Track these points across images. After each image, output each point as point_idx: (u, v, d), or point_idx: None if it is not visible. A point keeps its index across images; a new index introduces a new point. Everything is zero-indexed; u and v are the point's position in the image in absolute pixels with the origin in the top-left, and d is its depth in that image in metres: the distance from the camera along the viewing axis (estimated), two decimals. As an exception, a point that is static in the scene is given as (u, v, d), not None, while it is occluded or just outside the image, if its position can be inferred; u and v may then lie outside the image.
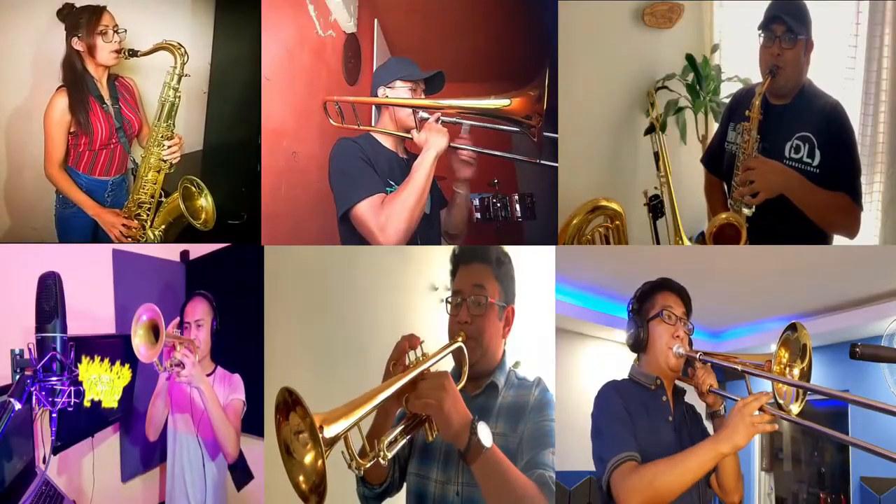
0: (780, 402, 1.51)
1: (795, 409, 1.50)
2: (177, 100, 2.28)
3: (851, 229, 2.18)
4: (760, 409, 1.37)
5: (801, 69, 2.16)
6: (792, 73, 2.14)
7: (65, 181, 2.29)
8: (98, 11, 2.22)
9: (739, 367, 1.58)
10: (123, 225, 2.31)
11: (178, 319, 2.30)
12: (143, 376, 2.51)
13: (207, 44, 3.06)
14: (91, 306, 2.49)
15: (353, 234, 1.99)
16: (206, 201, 2.29)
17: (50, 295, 1.64)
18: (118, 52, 2.26)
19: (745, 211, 2.20)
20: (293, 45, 2.74)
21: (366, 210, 1.92)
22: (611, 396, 1.65)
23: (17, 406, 1.44)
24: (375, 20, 3.81)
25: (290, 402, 1.15)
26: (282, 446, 1.17)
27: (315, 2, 2.92)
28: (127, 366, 2.40)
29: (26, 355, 1.62)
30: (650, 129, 2.91)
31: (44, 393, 1.61)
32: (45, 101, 2.24)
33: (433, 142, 1.96)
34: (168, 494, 2.33)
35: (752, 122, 2.17)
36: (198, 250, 2.90)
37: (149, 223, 2.35)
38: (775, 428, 1.36)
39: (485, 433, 1.26)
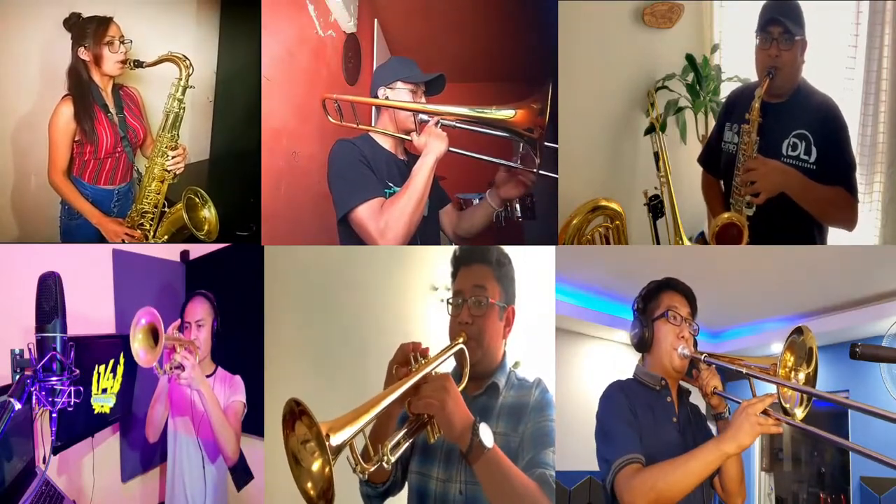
0: (785, 406, 1.51)
1: (800, 413, 1.49)
2: (181, 111, 2.28)
3: (850, 222, 2.22)
4: (765, 412, 1.36)
5: (797, 69, 2.18)
6: (789, 73, 2.16)
7: (68, 189, 2.29)
8: (105, 22, 2.23)
9: (745, 370, 1.57)
10: (126, 234, 2.32)
11: (178, 321, 2.29)
12: (142, 378, 2.51)
13: (213, 53, 3.06)
14: (91, 306, 2.49)
15: (352, 235, 1.99)
16: (209, 212, 2.29)
17: (50, 295, 1.63)
18: (124, 62, 2.26)
19: (746, 210, 2.21)
20: (293, 45, 2.74)
21: (365, 214, 1.92)
22: (616, 397, 1.65)
23: (17, 406, 1.44)
24: (375, 20, 3.81)
25: (296, 412, 1.16)
26: (290, 457, 1.18)
27: (315, 2, 2.92)
28: (116, 364, 2.40)
29: (26, 355, 1.61)
30: (650, 129, 2.91)
31: (44, 393, 1.60)
32: (51, 110, 2.24)
33: (433, 146, 1.96)
34: (168, 497, 2.33)
35: (751, 124, 2.18)
36: (198, 250, 2.90)
37: (152, 233, 2.35)
38: (780, 430, 1.35)
39: (486, 434, 1.27)
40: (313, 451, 1.16)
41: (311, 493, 1.16)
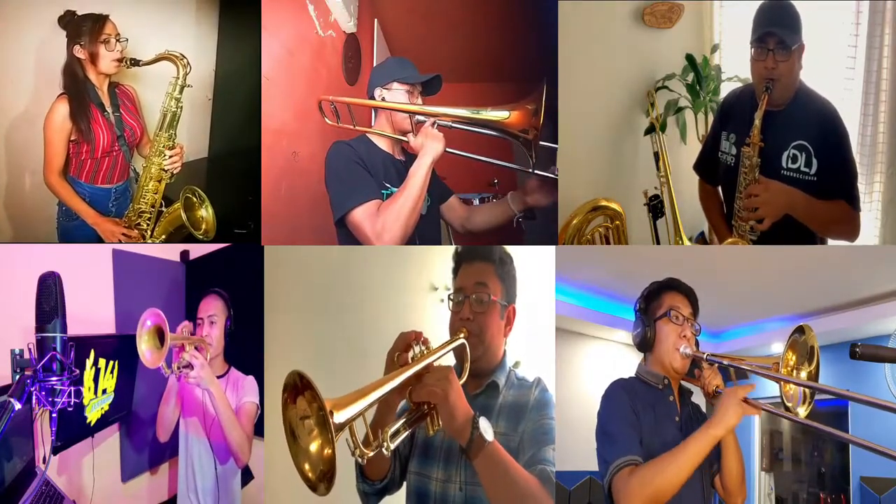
0: (788, 404, 1.51)
1: (802, 411, 1.50)
2: (178, 110, 2.27)
3: (852, 235, 2.20)
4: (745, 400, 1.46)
5: (795, 76, 2.13)
6: (787, 82, 2.11)
7: (64, 189, 2.27)
8: (101, 20, 2.20)
9: (747, 369, 1.57)
10: (123, 234, 2.30)
11: (185, 322, 2.28)
12: (147, 378, 2.51)
13: (212, 51, 3.05)
14: (91, 306, 2.49)
15: (350, 236, 2.00)
16: (206, 212, 2.29)
17: (50, 295, 1.63)
18: (120, 60, 2.24)
19: (750, 235, 2.19)
20: (293, 45, 2.74)
21: (361, 217, 1.93)
22: (619, 396, 1.65)
23: (17, 406, 1.44)
24: (375, 20, 3.81)
25: (299, 386, 1.15)
26: (287, 429, 1.17)
27: (315, 2, 2.92)
28: (116, 363, 2.39)
29: (26, 355, 1.61)
30: (650, 129, 2.91)
31: (44, 393, 1.60)
32: (46, 109, 2.21)
33: (429, 147, 1.96)
34: (179, 497, 2.31)
35: (752, 147, 2.13)
36: (198, 250, 2.90)
37: (149, 233, 2.34)
38: (760, 413, 1.47)
39: (486, 428, 1.28)
40: (311, 429, 1.15)
41: (310, 474, 1.15)
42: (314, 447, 1.15)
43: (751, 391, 1.47)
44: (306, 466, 1.16)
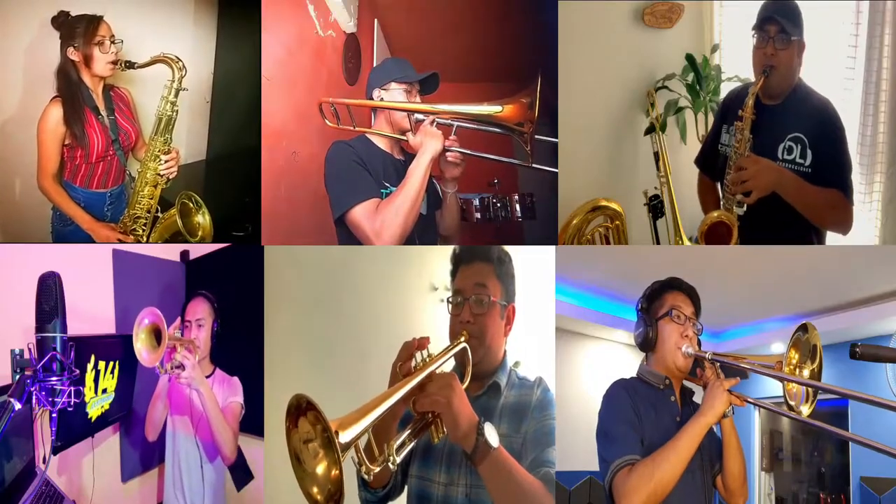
0: (791, 403, 1.52)
1: (806, 410, 1.52)
2: (174, 114, 2.23)
3: (844, 225, 2.20)
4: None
5: (793, 70, 2.16)
6: (785, 73, 2.14)
7: (58, 194, 2.23)
8: (95, 21, 2.16)
9: (750, 368, 1.57)
10: (119, 240, 2.28)
11: (178, 321, 2.29)
12: (143, 377, 2.51)
13: (210, 53, 3.04)
14: (91, 306, 2.49)
15: (350, 236, 2.00)
16: (203, 218, 2.26)
17: (50, 295, 1.63)
18: (115, 63, 2.20)
19: (737, 210, 2.20)
20: (293, 45, 2.74)
21: (361, 215, 1.93)
22: (620, 396, 1.65)
23: (17, 406, 1.44)
24: (375, 20, 3.81)
25: (302, 408, 1.13)
26: (292, 455, 1.15)
27: (315, 2, 2.92)
28: (116, 364, 2.39)
29: (26, 355, 1.61)
30: (650, 129, 2.91)
31: (44, 393, 1.60)
32: (38, 111, 2.17)
33: (428, 145, 1.97)
34: (166, 496, 2.33)
35: (745, 121, 2.16)
36: (198, 250, 2.90)
37: (144, 238, 2.31)
38: (744, 404, 1.57)
39: (491, 433, 1.27)
40: (317, 451, 1.13)
41: (318, 497, 1.13)
42: (321, 469, 1.13)
43: (735, 384, 1.56)
44: (314, 490, 1.14)
